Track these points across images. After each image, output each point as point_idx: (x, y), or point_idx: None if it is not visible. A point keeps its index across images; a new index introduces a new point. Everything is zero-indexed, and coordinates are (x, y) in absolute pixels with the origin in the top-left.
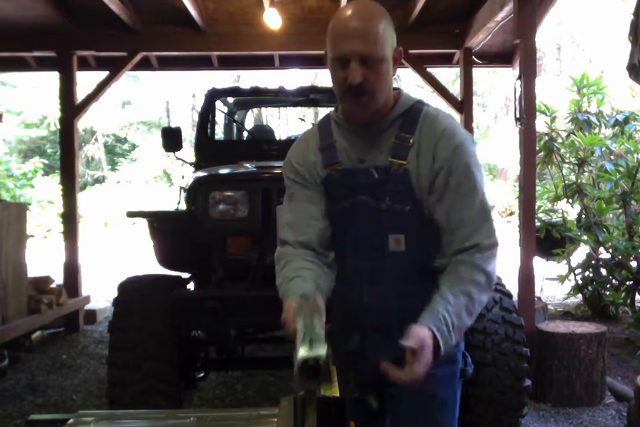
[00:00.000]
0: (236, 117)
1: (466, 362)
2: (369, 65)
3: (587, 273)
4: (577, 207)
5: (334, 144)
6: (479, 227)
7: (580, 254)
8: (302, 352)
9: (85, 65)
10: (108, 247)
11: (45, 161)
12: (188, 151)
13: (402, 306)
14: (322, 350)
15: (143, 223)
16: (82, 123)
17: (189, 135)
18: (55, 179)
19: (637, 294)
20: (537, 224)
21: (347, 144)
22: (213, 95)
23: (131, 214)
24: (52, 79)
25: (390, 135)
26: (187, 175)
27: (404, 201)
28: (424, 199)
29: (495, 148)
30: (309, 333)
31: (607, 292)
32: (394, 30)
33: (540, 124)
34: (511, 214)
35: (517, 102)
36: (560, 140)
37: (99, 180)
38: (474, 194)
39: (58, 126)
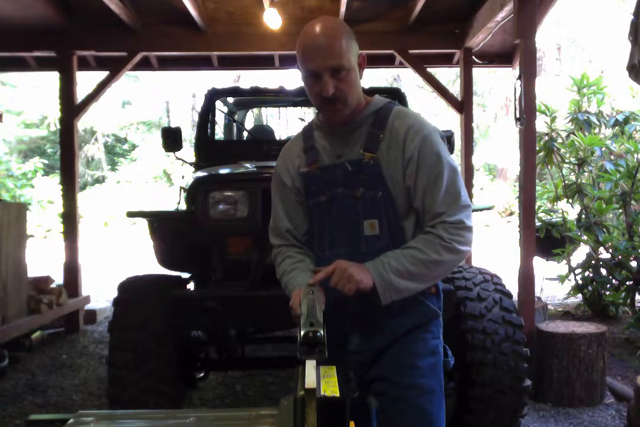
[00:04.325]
0: (236, 117)
1: (447, 354)
2: (339, 76)
3: (587, 273)
4: (577, 207)
5: (314, 145)
6: (447, 208)
7: (580, 254)
8: (304, 329)
9: (85, 65)
10: (108, 247)
11: (45, 161)
12: (188, 151)
13: None
14: (320, 329)
15: (143, 223)
16: (82, 123)
17: (189, 135)
18: (55, 179)
19: (637, 294)
20: (537, 224)
21: (327, 144)
22: (213, 95)
23: (131, 214)
24: (52, 79)
25: (363, 132)
26: (187, 175)
27: (376, 188)
28: (395, 186)
29: (495, 148)
30: (311, 317)
31: (607, 292)
32: (355, 40)
33: (540, 124)
34: (511, 214)
35: (517, 102)
36: (560, 140)
37: (99, 180)
38: (443, 179)
39: (58, 126)
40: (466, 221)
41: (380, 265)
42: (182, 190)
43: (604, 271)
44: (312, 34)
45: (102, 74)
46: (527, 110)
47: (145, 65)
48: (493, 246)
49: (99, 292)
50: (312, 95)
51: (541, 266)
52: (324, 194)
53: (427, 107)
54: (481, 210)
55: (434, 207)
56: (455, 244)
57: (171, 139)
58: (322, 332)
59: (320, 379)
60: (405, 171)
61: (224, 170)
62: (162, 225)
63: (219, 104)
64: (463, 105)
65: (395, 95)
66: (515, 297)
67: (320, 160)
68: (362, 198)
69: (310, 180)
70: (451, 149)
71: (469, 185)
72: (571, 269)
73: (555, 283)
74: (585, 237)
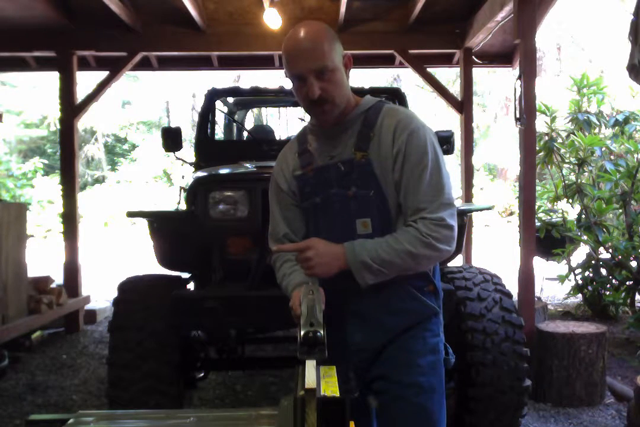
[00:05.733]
0: (236, 117)
1: (448, 352)
2: (324, 77)
3: (587, 273)
4: (577, 207)
5: (308, 149)
6: (429, 204)
7: (580, 254)
8: (304, 329)
9: (85, 65)
10: (108, 247)
11: (45, 161)
12: (188, 151)
13: (374, 287)
14: (320, 329)
15: (143, 223)
16: (82, 123)
17: (189, 135)
18: (55, 179)
19: (637, 294)
20: (537, 224)
21: (319, 146)
22: (213, 95)
23: (131, 214)
24: (52, 79)
25: (354, 132)
26: (187, 175)
27: (369, 187)
28: (387, 184)
29: (495, 148)
30: (311, 317)
31: (607, 292)
32: (339, 42)
33: (540, 124)
34: (511, 214)
35: (517, 102)
36: (560, 140)
37: (99, 180)
38: (426, 175)
39: (58, 126)
40: (447, 219)
41: (359, 247)
42: (182, 190)
43: (604, 271)
44: (294, 39)
45: (102, 74)
46: (527, 110)
47: (145, 65)
48: (493, 246)
49: (99, 292)
50: (300, 98)
51: (541, 266)
52: (319, 195)
53: (427, 107)
54: (481, 210)
55: (416, 202)
56: (432, 240)
57: (171, 139)
58: (322, 332)
59: (320, 379)
60: (394, 166)
61: (224, 170)
62: (162, 225)
63: (219, 104)
64: (463, 105)
65: (395, 95)
66: (515, 297)
67: (314, 162)
68: (354, 197)
69: (304, 182)
70: (451, 149)
71: (469, 185)
72: (571, 269)
73: (555, 283)
74: (585, 237)
